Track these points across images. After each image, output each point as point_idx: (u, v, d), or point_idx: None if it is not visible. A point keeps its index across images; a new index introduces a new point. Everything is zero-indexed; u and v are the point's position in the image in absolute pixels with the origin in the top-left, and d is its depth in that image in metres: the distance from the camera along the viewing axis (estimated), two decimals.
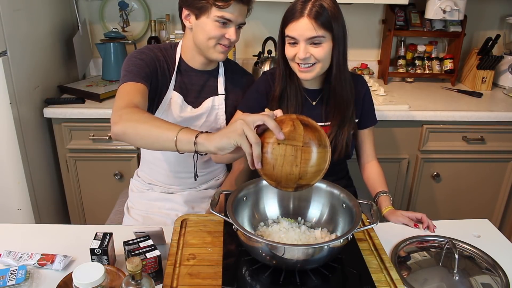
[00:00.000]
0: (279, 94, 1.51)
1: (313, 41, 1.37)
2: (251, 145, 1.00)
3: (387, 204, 1.52)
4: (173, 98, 1.52)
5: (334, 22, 1.36)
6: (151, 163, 1.66)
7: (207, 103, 1.56)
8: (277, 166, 1.03)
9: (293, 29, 1.37)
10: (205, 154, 1.45)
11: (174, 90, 1.53)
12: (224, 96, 1.59)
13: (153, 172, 1.67)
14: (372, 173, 1.64)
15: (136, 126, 1.16)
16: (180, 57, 1.54)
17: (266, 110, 1.10)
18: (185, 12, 1.46)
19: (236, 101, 1.59)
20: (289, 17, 1.39)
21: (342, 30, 1.40)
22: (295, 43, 1.40)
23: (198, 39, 1.45)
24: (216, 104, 1.57)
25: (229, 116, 1.59)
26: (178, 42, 1.57)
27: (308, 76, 1.43)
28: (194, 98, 1.56)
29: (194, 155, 1.19)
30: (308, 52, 1.38)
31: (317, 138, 1.05)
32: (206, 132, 1.08)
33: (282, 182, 1.06)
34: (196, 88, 1.56)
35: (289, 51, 1.42)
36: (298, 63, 1.42)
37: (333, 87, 1.48)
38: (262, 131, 1.05)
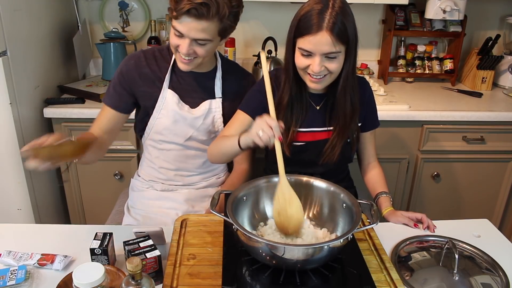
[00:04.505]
0: (287, 99, 1.46)
1: (329, 56, 1.32)
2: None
3: (387, 205, 1.52)
4: (168, 96, 1.53)
5: (350, 33, 1.31)
6: (150, 161, 1.67)
7: (204, 105, 1.56)
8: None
9: (309, 42, 1.30)
10: None
11: (168, 88, 1.53)
12: (221, 99, 1.58)
13: (152, 170, 1.67)
14: (373, 175, 1.64)
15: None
16: (174, 59, 1.54)
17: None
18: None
19: (234, 103, 1.56)
20: (305, 29, 1.31)
21: (355, 40, 1.35)
22: (309, 55, 1.33)
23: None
24: (213, 107, 1.57)
25: (226, 119, 1.57)
26: None
27: (319, 86, 1.40)
28: (191, 98, 1.56)
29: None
30: (323, 66, 1.33)
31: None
32: None
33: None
34: (191, 88, 1.56)
35: (302, 61, 1.36)
36: (309, 74, 1.37)
37: (338, 97, 1.44)
38: None
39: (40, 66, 2.13)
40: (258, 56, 2.54)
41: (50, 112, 2.11)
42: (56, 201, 2.33)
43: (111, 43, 2.39)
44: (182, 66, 1.45)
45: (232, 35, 2.54)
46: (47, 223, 2.04)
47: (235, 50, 2.56)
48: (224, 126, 1.59)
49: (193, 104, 1.56)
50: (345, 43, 1.31)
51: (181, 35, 1.36)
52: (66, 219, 2.40)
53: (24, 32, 1.98)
